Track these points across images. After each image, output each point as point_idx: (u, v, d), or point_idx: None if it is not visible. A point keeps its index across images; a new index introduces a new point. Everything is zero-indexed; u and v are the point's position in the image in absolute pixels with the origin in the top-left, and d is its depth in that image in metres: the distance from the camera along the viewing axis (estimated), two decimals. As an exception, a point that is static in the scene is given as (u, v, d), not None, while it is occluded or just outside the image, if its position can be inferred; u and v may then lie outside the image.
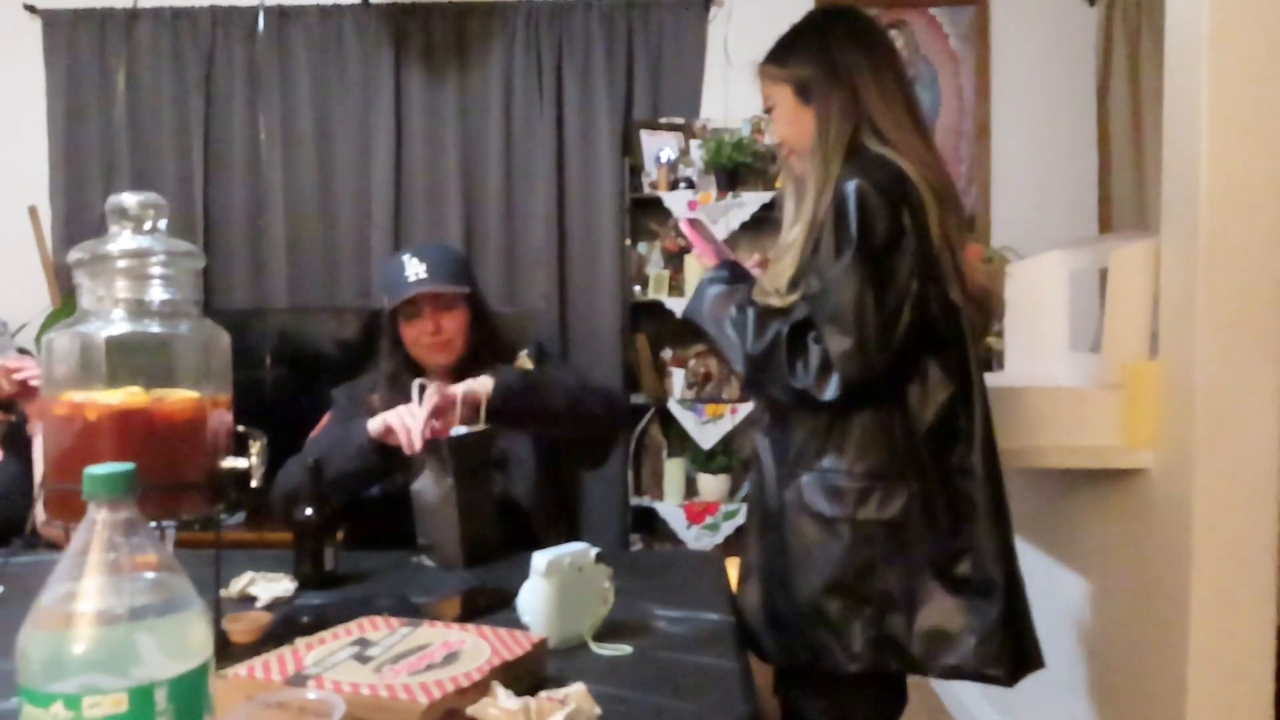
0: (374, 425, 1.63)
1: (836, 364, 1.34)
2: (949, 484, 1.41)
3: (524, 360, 1.90)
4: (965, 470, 1.41)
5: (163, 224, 1.09)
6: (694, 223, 1.66)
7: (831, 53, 1.47)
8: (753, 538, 1.57)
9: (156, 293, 1.06)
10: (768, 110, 1.57)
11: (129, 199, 1.07)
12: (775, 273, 1.46)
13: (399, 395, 1.75)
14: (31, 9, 3.71)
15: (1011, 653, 1.40)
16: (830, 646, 1.40)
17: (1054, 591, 2.19)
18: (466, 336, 1.83)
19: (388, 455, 1.64)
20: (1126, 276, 1.86)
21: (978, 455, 1.42)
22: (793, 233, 1.46)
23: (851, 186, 1.35)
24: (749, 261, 1.64)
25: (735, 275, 1.54)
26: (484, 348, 1.85)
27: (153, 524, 1.00)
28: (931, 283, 1.38)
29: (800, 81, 1.49)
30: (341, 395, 1.94)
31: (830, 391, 1.36)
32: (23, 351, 3.31)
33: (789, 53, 1.52)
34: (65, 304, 3.49)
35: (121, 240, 1.06)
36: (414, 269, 1.79)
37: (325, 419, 1.91)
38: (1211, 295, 1.63)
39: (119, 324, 1.04)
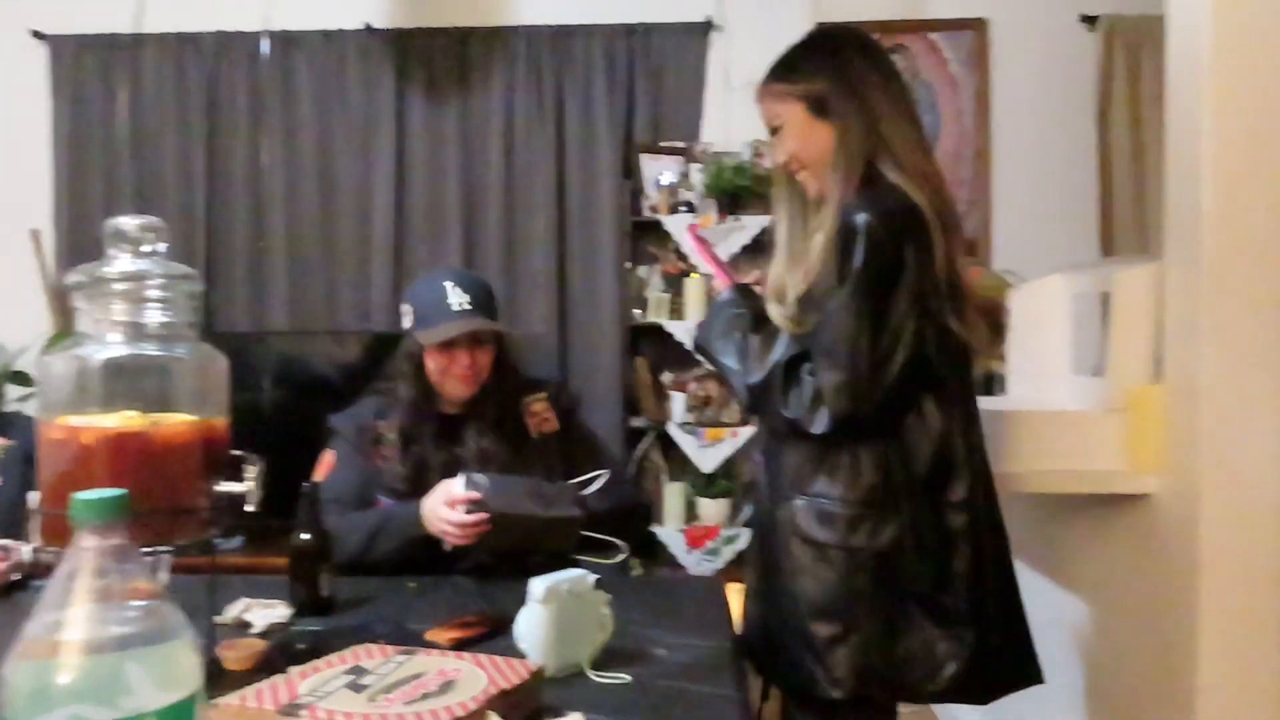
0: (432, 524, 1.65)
1: (827, 398, 1.35)
2: (939, 515, 1.41)
3: (541, 403, 1.87)
4: (955, 503, 1.41)
5: (162, 247, 1.09)
6: (702, 240, 1.69)
7: (846, 67, 1.46)
8: (751, 556, 1.58)
9: (154, 316, 1.06)
10: (774, 130, 1.51)
11: (127, 222, 1.07)
12: (795, 279, 1.44)
13: (417, 423, 1.76)
14: (38, 34, 3.73)
15: (991, 674, 1.43)
16: (814, 671, 1.40)
17: (1058, 618, 2.17)
18: (490, 371, 1.81)
19: (437, 541, 1.66)
20: (1130, 300, 1.86)
21: (970, 488, 1.42)
22: (815, 239, 1.43)
23: (861, 220, 1.34)
24: (749, 278, 1.64)
25: (743, 300, 1.53)
26: (505, 382, 1.83)
27: (148, 549, 0.99)
28: (929, 319, 1.38)
29: (814, 96, 1.45)
30: (345, 426, 1.84)
31: (819, 424, 1.36)
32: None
33: (798, 68, 1.49)
34: (67, 328, 3.50)
35: (119, 263, 1.06)
36: (458, 298, 1.75)
37: (329, 456, 1.81)
38: (1215, 318, 1.62)
39: (116, 347, 1.04)
